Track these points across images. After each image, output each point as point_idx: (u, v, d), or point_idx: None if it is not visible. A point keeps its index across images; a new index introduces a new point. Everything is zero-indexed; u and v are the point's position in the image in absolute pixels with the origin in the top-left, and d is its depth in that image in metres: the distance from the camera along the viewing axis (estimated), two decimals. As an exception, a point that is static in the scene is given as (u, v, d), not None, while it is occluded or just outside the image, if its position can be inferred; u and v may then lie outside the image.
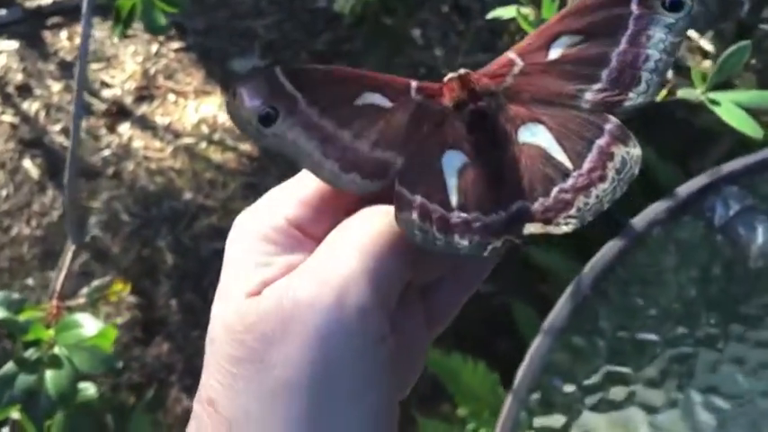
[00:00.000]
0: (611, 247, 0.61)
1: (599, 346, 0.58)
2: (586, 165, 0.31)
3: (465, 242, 0.30)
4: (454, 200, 0.31)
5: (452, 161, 0.31)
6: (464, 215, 0.30)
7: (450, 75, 0.33)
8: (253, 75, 0.31)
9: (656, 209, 0.64)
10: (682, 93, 0.39)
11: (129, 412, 0.63)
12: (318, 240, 0.30)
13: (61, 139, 1.52)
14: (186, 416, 1.22)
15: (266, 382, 0.27)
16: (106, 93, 1.59)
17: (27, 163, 1.50)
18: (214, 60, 1.63)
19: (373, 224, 0.29)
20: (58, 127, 1.54)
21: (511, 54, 0.33)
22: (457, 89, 0.32)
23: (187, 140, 1.53)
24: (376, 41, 0.95)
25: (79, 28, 1.69)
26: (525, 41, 0.33)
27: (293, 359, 0.27)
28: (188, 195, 1.45)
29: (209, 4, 1.70)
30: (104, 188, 1.46)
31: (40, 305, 0.53)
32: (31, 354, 0.48)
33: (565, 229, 0.30)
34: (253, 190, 1.44)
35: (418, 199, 0.30)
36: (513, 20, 0.43)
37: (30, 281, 1.35)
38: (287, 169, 1.50)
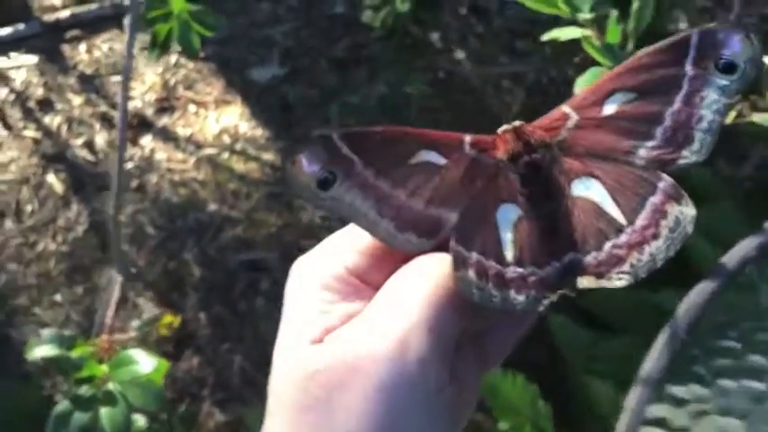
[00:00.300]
0: (702, 289, 0.60)
1: (698, 394, 0.56)
2: (639, 222, 0.31)
3: (522, 297, 0.30)
4: (510, 254, 0.31)
5: (507, 214, 0.32)
6: (520, 270, 0.31)
7: (505, 127, 0.33)
8: (312, 141, 0.32)
9: (746, 246, 0.62)
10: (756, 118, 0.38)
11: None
12: (376, 288, 0.30)
13: (84, 153, 1.52)
14: (219, 430, 1.22)
15: (331, 430, 0.28)
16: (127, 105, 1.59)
17: (51, 178, 1.50)
18: (233, 70, 1.63)
19: (431, 274, 0.30)
20: (80, 141, 1.54)
21: (565, 108, 0.33)
22: (511, 141, 0.32)
23: (209, 151, 1.52)
24: (402, 51, 0.94)
25: (98, 41, 1.69)
26: (580, 96, 0.33)
27: (356, 409, 0.27)
28: (212, 207, 1.45)
29: (228, 12, 1.69)
30: (129, 201, 1.46)
31: (91, 340, 0.52)
32: (85, 391, 0.48)
33: (618, 284, 0.30)
34: (277, 200, 1.43)
35: (474, 256, 0.30)
36: (534, 23, 0.43)
37: (58, 297, 1.36)
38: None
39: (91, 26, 1.68)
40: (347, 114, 1.56)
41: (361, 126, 0.33)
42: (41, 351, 0.50)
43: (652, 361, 0.55)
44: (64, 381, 1.22)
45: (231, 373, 1.25)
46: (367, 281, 0.31)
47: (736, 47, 0.32)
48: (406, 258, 0.31)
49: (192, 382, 1.25)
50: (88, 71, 1.64)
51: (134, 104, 1.59)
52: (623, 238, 0.31)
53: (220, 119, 1.57)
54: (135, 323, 0.52)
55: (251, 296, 1.30)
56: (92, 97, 1.61)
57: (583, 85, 0.40)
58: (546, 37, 0.45)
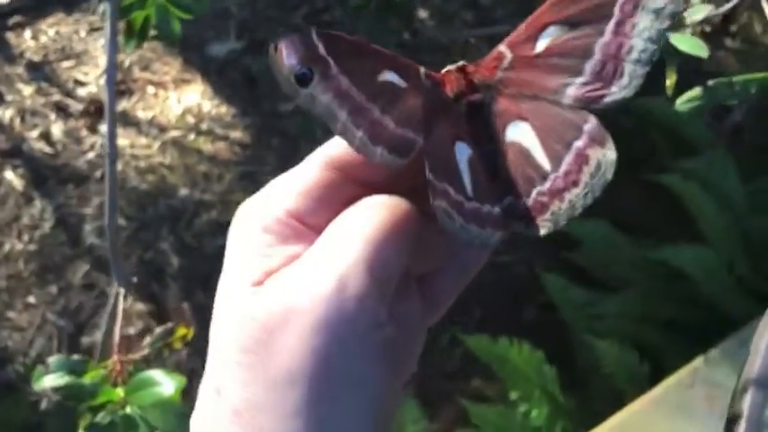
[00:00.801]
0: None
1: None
2: (563, 167, 0.30)
3: (483, 232, 0.31)
4: (469, 189, 0.31)
5: (461, 152, 0.32)
6: (477, 204, 0.31)
7: (449, 66, 0.33)
8: (291, 35, 0.31)
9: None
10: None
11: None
12: (319, 231, 0.30)
13: (41, 145, 1.45)
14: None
15: (270, 371, 0.28)
16: (81, 91, 1.52)
17: (9, 174, 1.43)
18: (189, 46, 1.56)
19: (372, 215, 0.30)
20: (35, 133, 1.47)
21: (502, 46, 0.32)
22: (455, 81, 0.32)
23: (174, 134, 1.46)
24: (384, 21, 0.90)
25: (43, 26, 1.60)
26: (515, 32, 0.32)
27: (294, 347, 0.28)
28: (184, 192, 1.40)
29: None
30: (94, 192, 1.40)
31: (102, 363, 0.49)
32: (102, 418, 0.45)
33: (542, 232, 0.30)
34: (251, 180, 1.39)
35: (445, 187, 0.30)
36: None
37: (31, 298, 1.30)
38: (284, 156, 1.45)
39: (34, 11, 1.59)
40: (314, 85, 1.51)
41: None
42: (50, 381, 0.46)
43: (761, 361, 0.52)
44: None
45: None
46: (309, 224, 0.31)
47: None
48: (349, 201, 0.31)
49: (183, 374, 1.22)
50: (36, 58, 1.55)
51: (89, 90, 1.52)
52: (547, 185, 0.30)
53: (182, 99, 1.51)
54: (147, 339, 0.49)
55: (234, 281, 1.27)
56: (43, 86, 1.53)
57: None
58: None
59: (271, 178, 0.33)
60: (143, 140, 1.46)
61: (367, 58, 0.31)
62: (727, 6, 0.43)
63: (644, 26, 0.30)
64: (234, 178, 1.40)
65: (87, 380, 0.46)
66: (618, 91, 0.30)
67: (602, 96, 0.30)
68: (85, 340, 1.25)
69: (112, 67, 0.55)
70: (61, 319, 1.27)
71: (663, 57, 0.39)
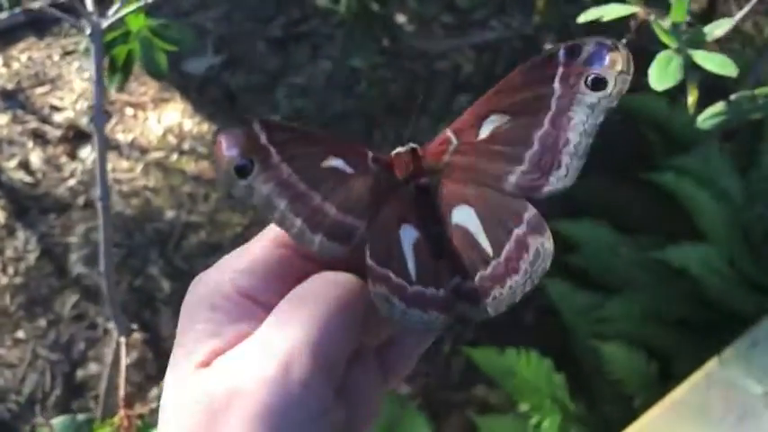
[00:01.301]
0: None
1: None
2: (504, 254, 0.31)
3: (426, 316, 0.31)
4: (413, 273, 0.31)
5: (408, 235, 0.32)
6: (420, 288, 0.31)
7: (399, 149, 0.33)
8: (234, 126, 0.31)
9: None
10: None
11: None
12: (270, 309, 0.30)
13: (20, 175, 1.42)
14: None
15: None
16: (58, 117, 1.49)
17: (-12, 207, 1.39)
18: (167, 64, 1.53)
19: (319, 295, 0.30)
20: (13, 162, 1.43)
21: (448, 131, 0.33)
22: (405, 164, 0.33)
23: (156, 155, 1.44)
24: (367, 32, 0.89)
25: (15, 51, 1.56)
26: (460, 119, 0.33)
27: None
28: (170, 214, 1.37)
29: (150, 4, 1.59)
30: (78, 220, 1.37)
31: (108, 420, 0.47)
32: (115, 478, 0.42)
33: (485, 315, 0.31)
34: (237, 198, 1.36)
35: (386, 272, 0.31)
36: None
37: (20, 333, 1.27)
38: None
39: (4, 37, 1.56)
40: (295, 96, 1.49)
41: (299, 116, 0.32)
42: (56, 444, 0.44)
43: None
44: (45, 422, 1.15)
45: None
46: (261, 302, 0.31)
47: (604, 60, 0.31)
48: (299, 279, 0.31)
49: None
50: (10, 86, 1.52)
51: (66, 115, 1.48)
52: (489, 271, 0.31)
53: (162, 119, 1.48)
54: (154, 391, 0.47)
55: (228, 302, 1.24)
56: (18, 113, 1.49)
57: (655, 76, 0.36)
58: (584, 18, 0.41)
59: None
60: (125, 164, 1.43)
61: (312, 145, 0.32)
62: (740, 15, 0.42)
63: (579, 120, 0.31)
64: (220, 197, 1.38)
65: (96, 439, 0.44)
66: (556, 182, 0.31)
67: (542, 186, 0.31)
68: (80, 374, 1.22)
69: (100, 111, 0.52)
70: (53, 354, 1.24)
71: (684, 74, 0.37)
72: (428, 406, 1.16)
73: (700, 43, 0.36)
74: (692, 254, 0.84)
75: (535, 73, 0.32)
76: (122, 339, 0.54)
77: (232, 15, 1.60)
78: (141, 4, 0.53)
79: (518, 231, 0.31)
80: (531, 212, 0.31)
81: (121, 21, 0.56)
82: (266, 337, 0.29)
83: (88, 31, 0.50)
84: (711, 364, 0.75)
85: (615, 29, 0.45)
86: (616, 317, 0.95)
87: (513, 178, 0.32)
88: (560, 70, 0.31)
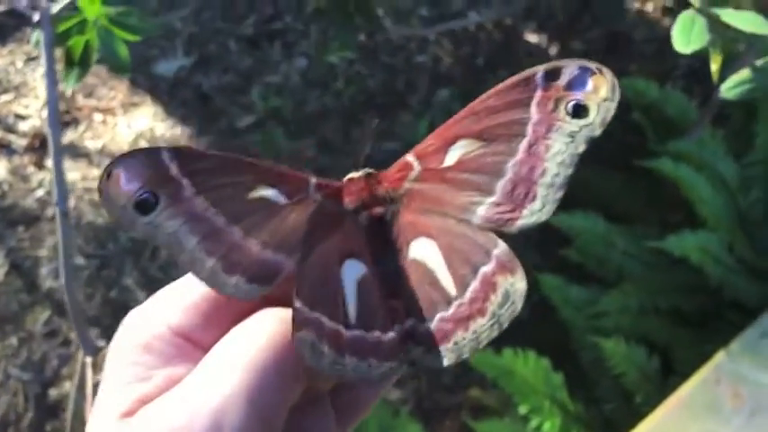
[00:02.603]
0: None
1: None
2: (468, 294, 0.28)
3: (360, 363, 0.27)
4: (353, 315, 0.28)
5: (352, 270, 0.29)
6: (360, 333, 0.28)
7: (353, 174, 0.30)
8: (134, 153, 0.28)
9: None
10: None
11: None
12: (206, 349, 0.27)
13: (-15, 187, 1.36)
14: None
15: None
16: (23, 126, 1.42)
17: (-48, 222, 1.33)
18: (135, 67, 1.47)
19: (257, 336, 0.27)
20: (-22, 174, 1.37)
21: (410, 156, 0.30)
22: (358, 191, 0.30)
23: (127, 161, 1.38)
24: (346, 23, 0.84)
25: (-25, 59, 1.50)
26: (424, 143, 0.30)
27: None
28: (144, 222, 1.32)
29: (116, 4, 1.53)
30: (47, 232, 1.31)
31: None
32: None
33: (444, 361, 0.27)
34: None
35: (315, 315, 0.27)
36: None
37: (-11, 353, 1.21)
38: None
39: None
40: (271, 96, 1.44)
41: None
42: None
43: None
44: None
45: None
46: (196, 341, 0.28)
47: (586, 85, 0.28)
48: (238, 317, 0.28)
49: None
50: (-27, 96, 1.46)
51: (31, 123, 1.42)
52: (451, 312, 0.28)
53: (132, 123, 1.43)
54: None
55: (208, 312, 1.19)
56: (-17, 124, 1.43)
57: (679, 38, 0.32)
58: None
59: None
60: (95, 172, 1.37)
61: (238, 174, 0.29)
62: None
63: (558, 149, 0.28)
64: (196, 203, 1.33)
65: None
66: (529, 215, 0.28)
67: (514, 220, 0.28)
68: (53, 393, 1.16)
69: (54, 110, 0.47)
70: (25, 373, 1.18)
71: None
72: (420, 410, 1.12)
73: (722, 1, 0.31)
74: (691, 242, 0.81)
75: (510, 95, 0.28)
76: (88, 359, 0.49)
77: (202, 14, 1.55)
78: (95, -14, 0.49)
79: (485, 269, 0.28)
80: (500, 248, 0.28)
81: (76, 9, 0.51)
82: (197, 383, 0.26)
83: (36, 18, 0.46)
84: (719, 357, 0.71)
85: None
86: (613, 311, 0.91)
87: (481, 210, 0.29)
88: (538, 94, 0.28)
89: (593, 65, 0.28)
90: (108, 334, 1.19)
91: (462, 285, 0.28)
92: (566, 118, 0.28)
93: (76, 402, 0.64)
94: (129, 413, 0.27)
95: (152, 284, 1.25)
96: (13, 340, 1.22)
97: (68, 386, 1.16)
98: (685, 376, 0.75)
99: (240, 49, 1.51)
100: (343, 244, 0.29)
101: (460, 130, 0.29)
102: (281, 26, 1.52)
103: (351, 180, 0.30)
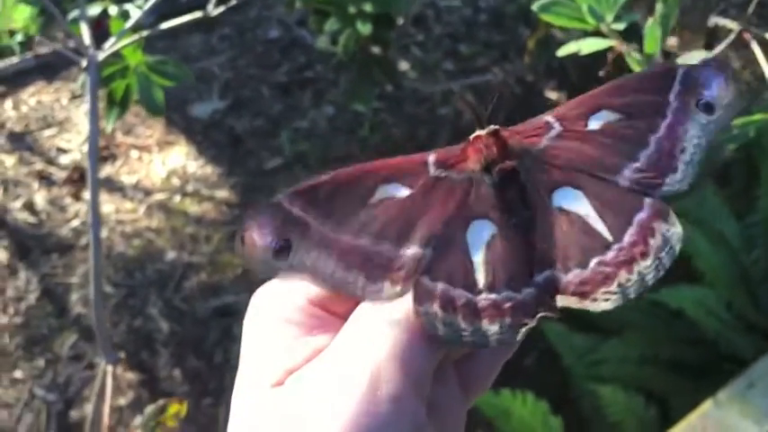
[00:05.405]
0: None
1: None
2: (627, 238, 0.28)
3: (496, 327, 0.27)
4: (481, 279, 0.28)
5: (480, 233, 0.29)
6: (493, 296, 0.28)
7: (479, 131, 0.31)
8: (259, 210, 0.29)
9: None
10: None
11: None
12: (344, 318, 0.28)
13: (25, 216, 1.43)
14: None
15: None
16: (64, 159, 1.51)
17: (-8, 246, 1.40)
18: (172, 108, 1.56)
19: (402, 302, 0.27)
20: (19, 203, 1.45)
21: (549, 117, 0.32)
22: (486, 147, 0.30)
23: (159, 197, 1.45)
24: (368, 74, 0.90)
25: (24, 95, 1.59)
26: (565, 107, 0.32)
27: None
28: (171, 255, 1.38)
29: (158, 49, 1.62)
30: (80, 261, 1.38)
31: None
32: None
33: (603, 305, 0.28)
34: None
35: (439, 286, 0.27)
36: (472, 25, 0.40)
37: (18, 373, 1.26)
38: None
39: (14, 80, 1.59)
40: (299, 140, 1.50)
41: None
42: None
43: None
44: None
45: (217, 428, 1.18)
46: (333, 311, 0.28)
47: (715, 90, 0.31)
48: None
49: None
50: (17, 128, 1.55)
51: (72, 157, 1.50)
52: (611, 255, 0.28)
53: (166, 161, 1.50)
54: (137, 420, 0.46)
55: (226, 344, 1.24)
56: (25, 155, 1.52)
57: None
58: (564, 51, 0.41)
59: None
60: (128, 205, 1.44)
61: (354, 186, 0.30)
62: (718, 49, 0.43)
63: (694, 134, 0.31)
64: (222, 238, 1.39)
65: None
66: (672, 184, 0.30)
67: (658, 185, 0.30)
68: (74, 414, 1.21)
69: (95, 144, 0.53)
70: (50, 394, 1.23)
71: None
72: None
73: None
74: (687, 296, 0.84)
75: (651, 83, 0.32)
76: (109, 367, 0.54)
77: (238, 61, 1.64)
78: (137, 37, 0.55)
79: (640, 216, 0.29)
80: (651, 199, 0.29)
81: (119, 56, 0.58)
82: (346, 351, 0.26)
83: (84, 64, 0.52)
84: (707, 406, 0.74)
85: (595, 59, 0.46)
86: (613, 359, 0.94)
87: (627, 173, 0.30)
88: (677, 87, 0.31)
89: (726, 70, 0.32)
90: (129, 360, 1.24)
91: (618, 230, 0.29)
92: (698, 111, 0.31)
93: (95, 408, 0.68)
94: (279, 383, 0.27)
95: (175, 315, 1.30)
96: (41, 362, 1.27)
97: (89, 408, 1.21)
98: (682, 426, 0.78)
99: (272, 94, 1.59)
100: (469, 208, 0.29)
101: (602, 102, 0.32)
102: (312, 75, 1.59)
103: (477, 137, 0.31)
